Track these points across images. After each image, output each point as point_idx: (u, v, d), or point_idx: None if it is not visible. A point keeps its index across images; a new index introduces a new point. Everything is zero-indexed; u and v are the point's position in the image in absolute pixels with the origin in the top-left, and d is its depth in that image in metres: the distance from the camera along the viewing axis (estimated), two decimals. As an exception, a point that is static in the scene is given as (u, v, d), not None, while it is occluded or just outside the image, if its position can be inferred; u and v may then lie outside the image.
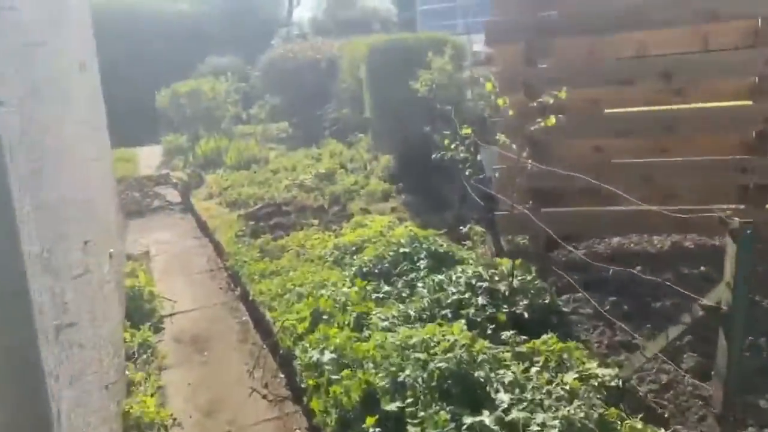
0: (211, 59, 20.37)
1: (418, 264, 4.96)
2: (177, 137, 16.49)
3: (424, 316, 4.18)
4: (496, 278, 4.49)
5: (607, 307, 4.44)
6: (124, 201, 10.92)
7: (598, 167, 5.00)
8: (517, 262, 4.52)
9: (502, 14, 5.52)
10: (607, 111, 5.38)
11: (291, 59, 15.61)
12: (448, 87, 7.38)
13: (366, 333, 3.98)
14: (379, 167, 9.61)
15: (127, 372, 4.40)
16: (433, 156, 6.20)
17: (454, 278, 4.57)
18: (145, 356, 4.84)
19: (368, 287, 4.66)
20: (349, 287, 4.64)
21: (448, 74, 7.43)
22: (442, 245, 5.26)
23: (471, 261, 5.08)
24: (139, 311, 5.51)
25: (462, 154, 5.19)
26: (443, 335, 3.60)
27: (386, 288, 4.71)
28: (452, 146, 5.26)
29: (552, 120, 4.32)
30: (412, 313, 4.19)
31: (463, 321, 3.94)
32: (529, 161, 4.64)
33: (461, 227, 6.22)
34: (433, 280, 4.60)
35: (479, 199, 5.65)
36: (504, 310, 4.15)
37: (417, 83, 7.59)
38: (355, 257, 5.84)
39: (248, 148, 12.50)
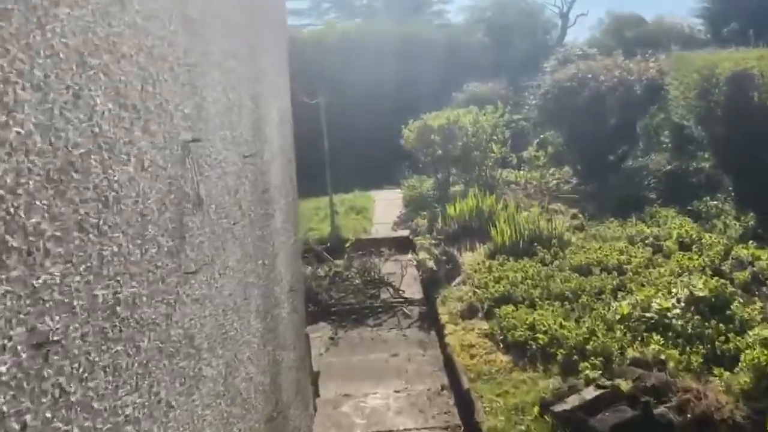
0: (470, 86, 16.40)
1: None
2: (421, 182, 12.64)
3: None
4: None
5: None
6: (339, 288, 7.04)
7: None
8: None
9: None
10: None
11: (589, 81, 10.69)
12: None
13: None
14: None
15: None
16: None
17: None
18: None
19: None
20: None
21: None
22: None
23: None
24: None
25: None
26: None
27: None
28: None
29: None
30: None
31: None
32: None
33: None
34: None
35: None
36: None
37: None
38: None
39: (529, 215, 7.87)
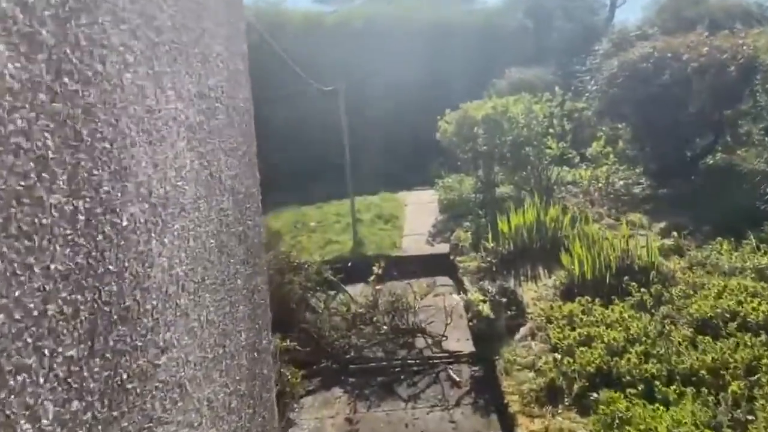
0: (513, 72, 14.48)
1: None
2: (459, 181, 10.87)
3: None
4: None
5: None
6: (360, 334, 5.27)
7: None
8: None
9: None
10: None
11: (669, 62, 8.69)
12: None
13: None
14: None
15: None
16: None
17: None
18: None
19: None
20: None
21: None
22: None
23: None
24: None
25: None
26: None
27: None
28: None
29: None
30: None
31: None
32: None
33: None
34: None
35: None
36: None
37: None
38: None
39: (619, 236, 6.00)
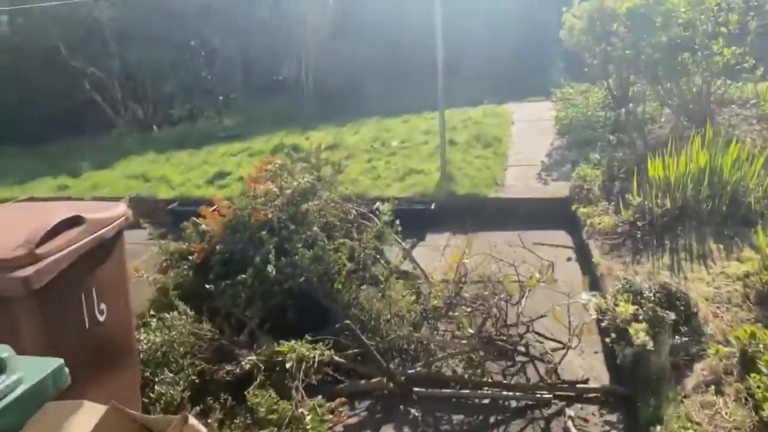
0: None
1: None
2: (584, 93, 8.56)
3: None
4: None
5: None
6: (433, 336, 3.57)
7: None
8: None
9: None
10: None
11: None
12: None
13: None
14: None
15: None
16: None
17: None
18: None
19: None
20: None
21: None
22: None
23: None
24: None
25: None
26: None
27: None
28: None
29: None
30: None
31: None
32: None
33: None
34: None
35: None
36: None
37: None
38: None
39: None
